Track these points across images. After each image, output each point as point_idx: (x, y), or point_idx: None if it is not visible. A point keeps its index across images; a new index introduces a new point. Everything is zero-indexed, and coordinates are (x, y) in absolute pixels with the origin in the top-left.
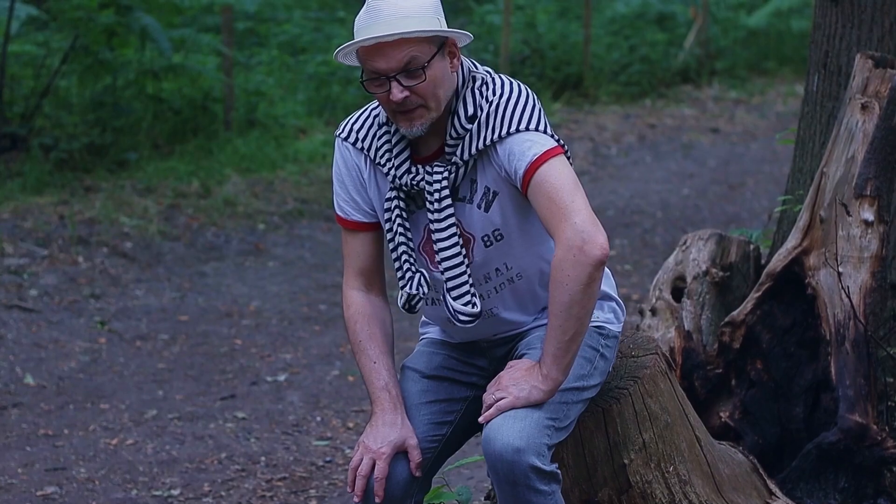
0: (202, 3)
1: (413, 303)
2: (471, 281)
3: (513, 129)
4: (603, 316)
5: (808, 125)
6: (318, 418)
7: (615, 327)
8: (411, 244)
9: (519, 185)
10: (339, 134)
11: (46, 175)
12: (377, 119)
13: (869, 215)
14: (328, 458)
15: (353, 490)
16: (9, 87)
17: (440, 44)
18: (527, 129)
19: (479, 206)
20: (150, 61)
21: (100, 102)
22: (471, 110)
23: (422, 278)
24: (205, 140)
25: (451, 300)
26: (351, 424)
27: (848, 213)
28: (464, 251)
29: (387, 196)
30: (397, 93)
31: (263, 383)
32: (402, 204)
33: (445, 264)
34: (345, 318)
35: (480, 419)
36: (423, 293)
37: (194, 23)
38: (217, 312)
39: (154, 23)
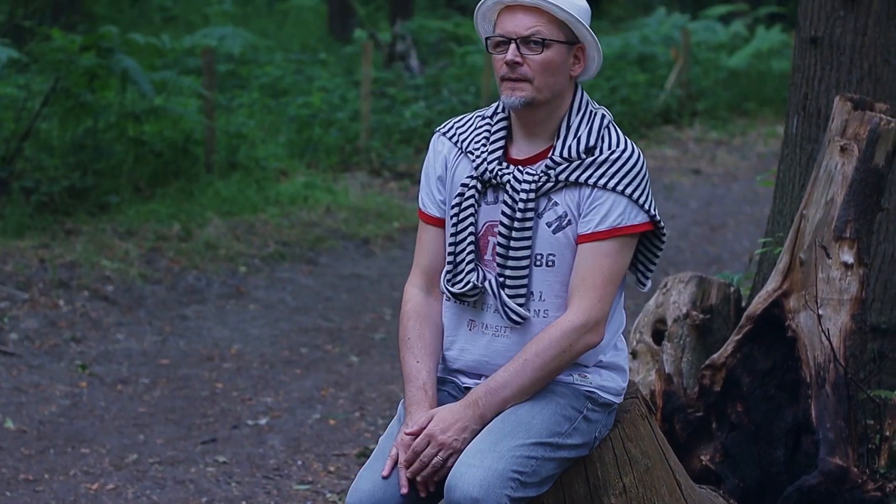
0: (183, 45)
1: (472, 293)
2: (530, 288)
3: (619, 187)
4: (597, 381)
5: (788, 167)
6: (299, 462)
7: (609, 396)
8: (476, 235)
9: (579, 233)
10: (440, 129)
11: (27, 218)
12: (480, 117)
13: (849, 258)
14: (308, 503)
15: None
16: None
17: (570, 39)
18: (630, 196)
19: (548, 225)
20: (132, 104)
21: (81, 145)
22: (592, 142)
23: (482, 273)
24: (186, 183)
25: (506, 297)
26: (332, 468)
27: (828, 255)
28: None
29: (463, 181)
30: (511, 54)
31: (244, 427)
32: (476, 194)
33: (512, 263)
34: (400, 313)
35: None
36: (487, 289)
37: (176, 65)
38: (198, 356)
39: (135, 65)
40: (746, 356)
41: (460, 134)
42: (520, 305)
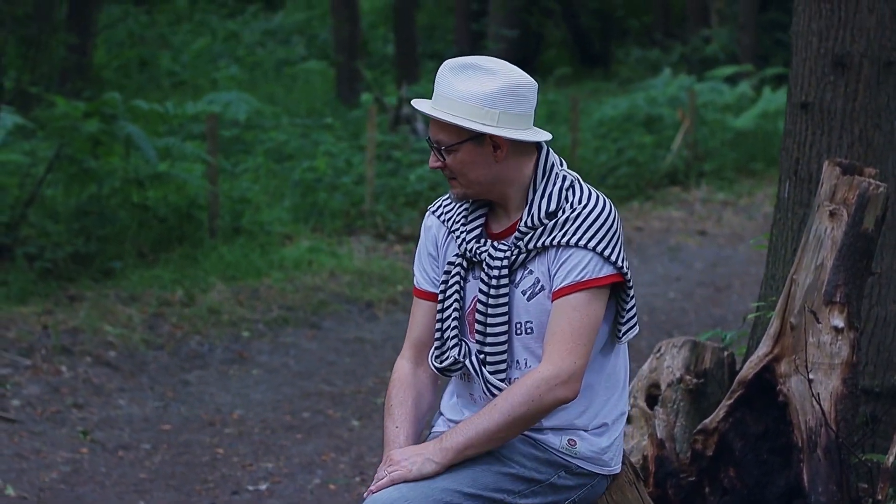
0: (187, 112)
1: (454, 368)
2: (510, 359)
3: (581, 242)
4: (585, 450)
5: (781, 232)
6: None
7: (589, 465)
8: (462, 312)
9: (550, 291)
10: (430, 207)
11: (30, 284)
12: None
13: (839, 322)
14: None
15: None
16: None
17: (474, 134)
18: (594, 249)
19: (523, 293)
20: (135, 170)
21: (85, 211)
22: (552, 207)
23: (466, 349)
24: (190, 248)
25: (487, 373)
26: None
27: (817, 320)
28: (509, 331)
29: (450, 260)
30: (432, 161)
31: (245, 493)
32: (462, 271)
33: (490, 339)
34: (389, 384)
35: (371, 488)
36: (468, 365)
37: (182, 131)
38: (199, 421)
39: (138, 131)
40: (738, 421)
41: (446, 213)
42: (501, 379)
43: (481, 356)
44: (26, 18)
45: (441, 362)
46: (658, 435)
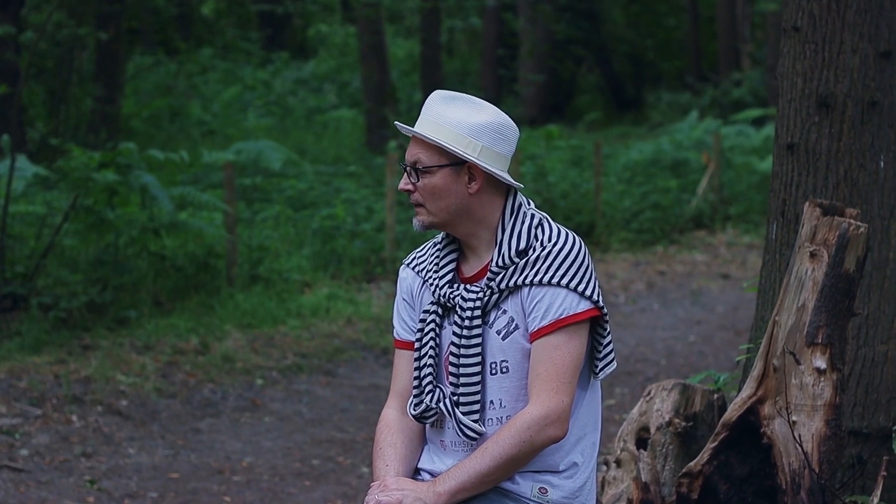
0: (202, 161)
1: (429, 415)
2: (483, 401)
3: (554, 280)
4: (554, 497)
5: (769, 273)
6: None
7: None
8: (438, 359)
9: (529, 332)
10: (405, 260)
11: (45, 334)
12: (432, 244)
13: (821, 363)
14: None
15: None
16: (10, 247)
17: (455, 161)
18: (566, 286)
19: (497, 333)
20: (152, 219)
21: (101, 261)
22: (522, 245)
23: (441, 394)
24: (206, 296)
25: (460, 414)
26: None
27: (798, 361)
28: (482, 371)
29: (425, 308)
30: (402, 182)
31: None
32: (437, 318)
33: (464, 380)
34: (375, 432)
35: None
36: (442, 409)
37: (204, 179)
38: (209, 469)
39: (154, 181)
40: (723, 463)
41: (419, 263)
42: (475, 420)
43: (455, 398)
44: (53, 70)
45: (416, 409)
46: (643, 478)
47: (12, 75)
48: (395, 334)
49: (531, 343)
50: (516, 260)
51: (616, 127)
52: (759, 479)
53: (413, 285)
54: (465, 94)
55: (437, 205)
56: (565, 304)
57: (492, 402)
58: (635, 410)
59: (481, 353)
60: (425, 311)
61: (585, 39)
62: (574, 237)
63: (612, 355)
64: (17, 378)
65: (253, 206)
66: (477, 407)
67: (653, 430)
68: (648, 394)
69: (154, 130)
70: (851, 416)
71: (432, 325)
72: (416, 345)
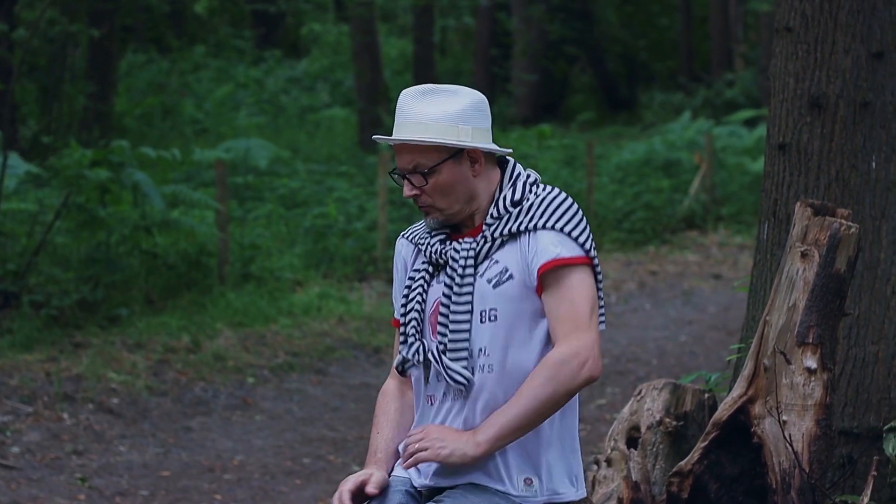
0: (194, 158)
1: (406, 366)
2: (470, 348)
3: (549, 224)
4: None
5: (760, 273)
6: None
7: (554, 498)
8: (422, 314)
9: (533, 278)
10: (402, 233)
11: (36, 332)
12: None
13: (812, 363)
14: None
15: None
16: (2, 244)
17: (454, 151)
18: (561, 230)
19: (488, 282)
20: (144, 217)
21: (93, 258)
22: (517, 196)
23: (421, 347)
24: (198, 295)
25: (447, 361)
26: None
27: (788, 361)
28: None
29: (415, 268)
30: (407, 190)
31: None
32: (426, 276)
33: (452, 327)
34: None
35: (400, 465)
36: (418, 361)
37: (197, 177)
38: (199, 467)
39: (146, 179)
40: (714, 462)
41: (414, 233)
42: (463, 367)
43: (441, 346)
44: (46, 67)
45: (399, 360)
46: (633, 477)
47: (5, 72)
48: (395, 314)
49: (539, 292)
50: (511, 209)
51: (609, 127)
52: (750, 478)
53: (407, 256)
54: (432, 85)
55: (447, 199)
56: (563, 245)
57: (480, 349)
58: (626, 409)
59: (471, 302)
60: (415, 271)
61: (579, 39)
62: (567, 195)
63: (602, 316)
64: (9, 376)
65: (245, 204)
66: (464, 354)
67: (643, 430)
68: (639, 393)
69: (146, 128)
70: (842, 416)
71: (420, 282)
72: (403, 301)
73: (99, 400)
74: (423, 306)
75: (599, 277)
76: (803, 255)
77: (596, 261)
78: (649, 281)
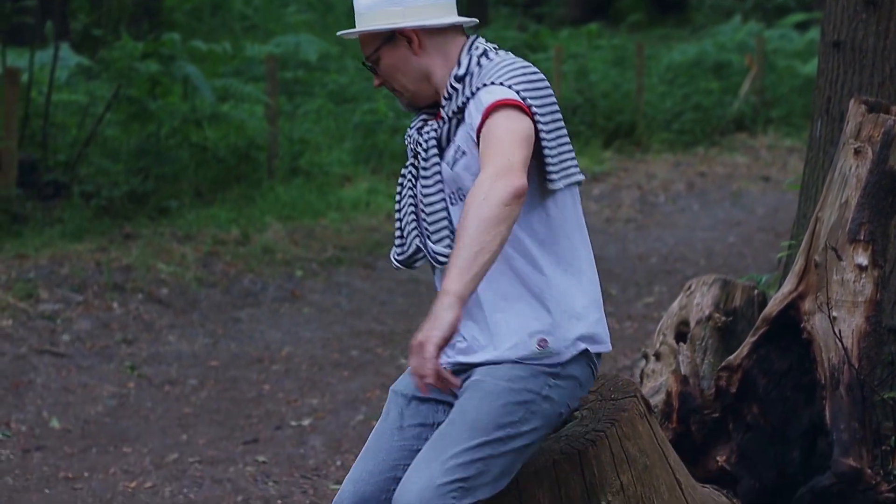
0: (245, 53)
1: (419, 257)
2: (451, 227)
3: (482, 83)
4: (555, 346)
5: (812, 171)
6: (339, 462)
7: (571, 351)
8: (416, 207)
9: (475, 141)
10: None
11: (86, 222)
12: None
13: (863, 260)
14: None
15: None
16: (53, 135)
17: (387, 35)
18: (492, 83)
19: (448, 164)
20: (194, 110)
21: (143, 150)
22: (461, 72)
23: (417, 239)
24: (248, 188)
25: (431, 244)
26: None
27: (839, 257)
28: (444, 199)
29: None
30: (376, 80)
31: (287, 428)
32: (413, 169)
33: (429, 209)
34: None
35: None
36: (419, 246)
37: (247, 72)
38: (248, 358)
39: (196, 72)
40: (763, 358)
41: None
42: (445, 246)
43: (426, 232)
44: None
45: (401, 255)
46: (682, 371)
47: None
48: None
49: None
50: (456, 86)
51: (658, 29)
52: (798, 373)
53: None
54: None
55: (402, 81)
56: (493, 94)
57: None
58: (675, 304)
59: (440, 184)
60: (404, 167)
61: None
62: (520, 60)
63: (567, 163)
64: (59, 265)
65: (294, 99)
66: (445, 233)
67: (692, 324)
68: (689, 288)
69: (196, 23)
70: (892, 313)
71: (410, 176)
72: (397, 197)
73: (148, 290)
74: (415, 201)
75: (540, 126)
76: (857, 152)
77: (535, 110)
78: (698, 182)
